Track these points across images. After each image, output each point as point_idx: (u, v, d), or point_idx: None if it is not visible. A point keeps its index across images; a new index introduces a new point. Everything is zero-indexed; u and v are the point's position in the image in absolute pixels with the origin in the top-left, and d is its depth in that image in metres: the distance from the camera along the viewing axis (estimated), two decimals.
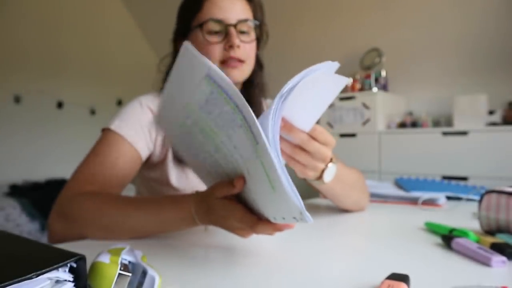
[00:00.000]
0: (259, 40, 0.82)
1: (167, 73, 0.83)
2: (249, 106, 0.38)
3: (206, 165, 0.52)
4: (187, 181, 0.79)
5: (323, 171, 0.54)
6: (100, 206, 0.59)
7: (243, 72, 0.77)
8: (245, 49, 0.75)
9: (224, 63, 0.74)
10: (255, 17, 0.78)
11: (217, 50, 0.73)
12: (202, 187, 0.63)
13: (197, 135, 0.48)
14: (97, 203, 0.59)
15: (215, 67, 0.39)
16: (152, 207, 0.57)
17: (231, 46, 0.72)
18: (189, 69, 0.42)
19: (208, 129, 0.45)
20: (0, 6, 3.21)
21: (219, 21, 0.73)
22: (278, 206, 0.41)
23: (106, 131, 0.72)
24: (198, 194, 0.54)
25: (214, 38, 0.73)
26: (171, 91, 0.49)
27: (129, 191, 0.72)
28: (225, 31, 0.73)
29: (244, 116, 0.38)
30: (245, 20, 0.74)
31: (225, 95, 0.39)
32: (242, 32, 0.75)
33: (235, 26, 0.73)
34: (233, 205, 0.48)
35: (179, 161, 0.78)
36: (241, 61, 0.75)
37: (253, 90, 0.84)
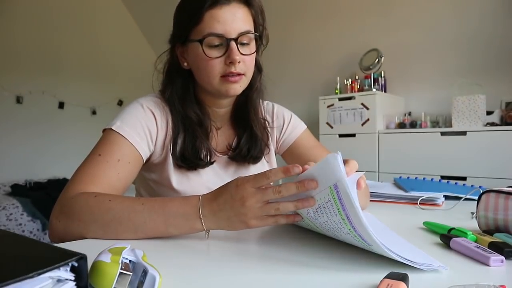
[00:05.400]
0: (259, 45, 0.81)
1: (166, 74, 0.83)
2: (363, 221, 0.43)
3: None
4: (188, 184, 0.79)
5: None
6: (105, 203, 0.58)
7: (242, 84, 0.76)
8: (245, 62, 0.74)
9: (224, 77, 0.73)
10: (255, 23, 0.77)
11: (218, 65, 0.72)
12: (205, 191, 0.63)
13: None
14: (102, 200, 0.59)
15: (344, 182, 0.43)
16: (158, 201, 0.58)
17: (231, 62, 0.71)
18: (324, 173, 0.46)
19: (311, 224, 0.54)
20: (3, 7, 3.20)
21: (219, 35, 0.71)
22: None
23: (107, 131, 0.72)
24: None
25: (215, 53, 0.71)
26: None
27: (129, 191, 0.72)
28: (226, 45, 0.71)
29: (354, 227, 0.45)
30: (246, 33, 0.72)
31: (339, 206, 0.45)
32: (243, 45, 0.73)
33: (236, 39, 0.71)
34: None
35: (179, 166, 0.78)
36: (240, 74, 0.74)
37: (252, 94, 0.84)
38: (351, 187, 0.45)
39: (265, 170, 0.89)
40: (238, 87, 0.75)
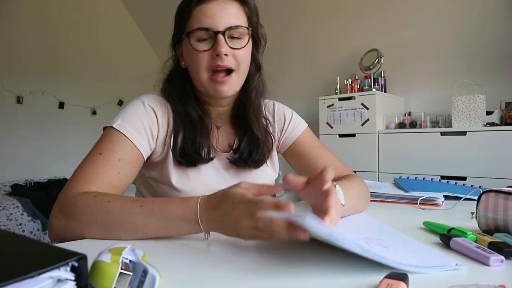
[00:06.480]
0: (256, 43, 0.81)
1: (168, 75, 0.84)
2: (366, 251, 0.42)
3: None
4: (188, 182, 0.78)
5: None
6: (104, 204, 0.58)
7: (233, 84, 0.75)
8: (235, 56, 0.73)
9: (213, 75, 0.73)
10: (249, 20, 0.77)
11: (205, 58, 0.72)
12: (205, 190, 0.63)
13: None
14: (101, 201, 0.58)
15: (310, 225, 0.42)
16: (157, 203, 0.58)
17: (218, 55, 0.71)
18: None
19: None
20: (4, 7, 3.20)
21: (206, 29, 0.71)
22: None
23: (108, 129, 0.72)
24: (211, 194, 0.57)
25: (202, 46, 0.72)
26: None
27: (129, 191, 0.72)
28: (214, 39, 0.72)
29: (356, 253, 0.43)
30: (236, 27, 0.72)
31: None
32: (233, 38, 0.73)
33: (224, 33, 0.71)
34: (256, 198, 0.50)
35: (179, 163, 0.78)
36: (231, 70, 0.73)
37: (250, 93, 0.83)
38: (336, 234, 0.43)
39: (267, 170, 0.90)
40: (227, 88, 0.75)
